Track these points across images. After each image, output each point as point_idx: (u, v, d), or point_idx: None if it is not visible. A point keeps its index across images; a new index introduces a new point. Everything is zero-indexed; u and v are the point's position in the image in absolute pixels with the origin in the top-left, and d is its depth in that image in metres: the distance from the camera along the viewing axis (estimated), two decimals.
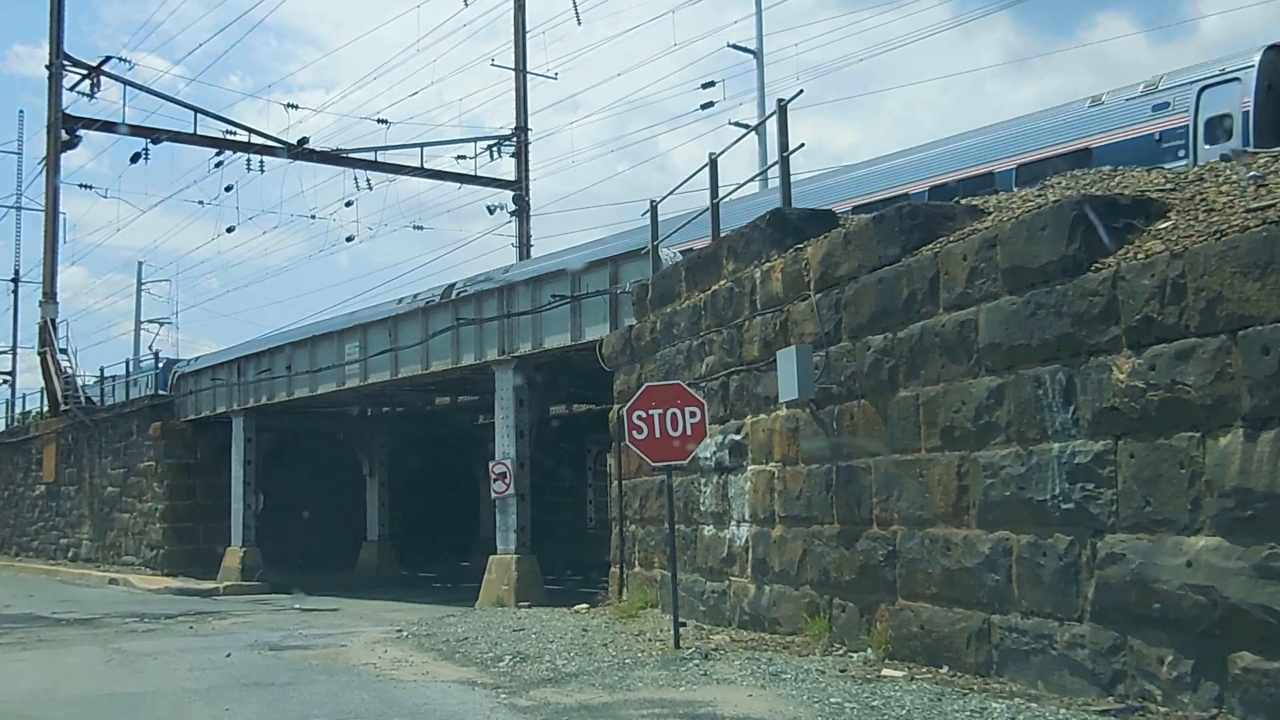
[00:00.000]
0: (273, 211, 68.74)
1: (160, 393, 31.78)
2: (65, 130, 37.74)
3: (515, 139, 45.55)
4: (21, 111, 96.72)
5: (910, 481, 9.49)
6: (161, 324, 50.77)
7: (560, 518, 36.69)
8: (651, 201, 16.60)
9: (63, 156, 38.59)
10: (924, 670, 8.88)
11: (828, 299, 10.87)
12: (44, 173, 38.97)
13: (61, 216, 38.49)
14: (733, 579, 12.70)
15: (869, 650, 9.74)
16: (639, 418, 11.35)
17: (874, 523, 9.97)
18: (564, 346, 18.86)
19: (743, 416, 12.59)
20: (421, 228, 45.13)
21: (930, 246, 9.62)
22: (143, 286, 58.73)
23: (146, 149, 38.93)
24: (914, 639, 9.31)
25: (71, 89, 38.29)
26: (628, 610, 14.61)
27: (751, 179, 18.42)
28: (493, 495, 19.85)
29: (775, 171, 13.64)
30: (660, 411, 11.28)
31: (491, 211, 45.73)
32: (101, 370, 36.22)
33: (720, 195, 14.51)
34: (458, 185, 45.80)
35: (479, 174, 45.30)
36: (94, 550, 34.12)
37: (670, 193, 16.37)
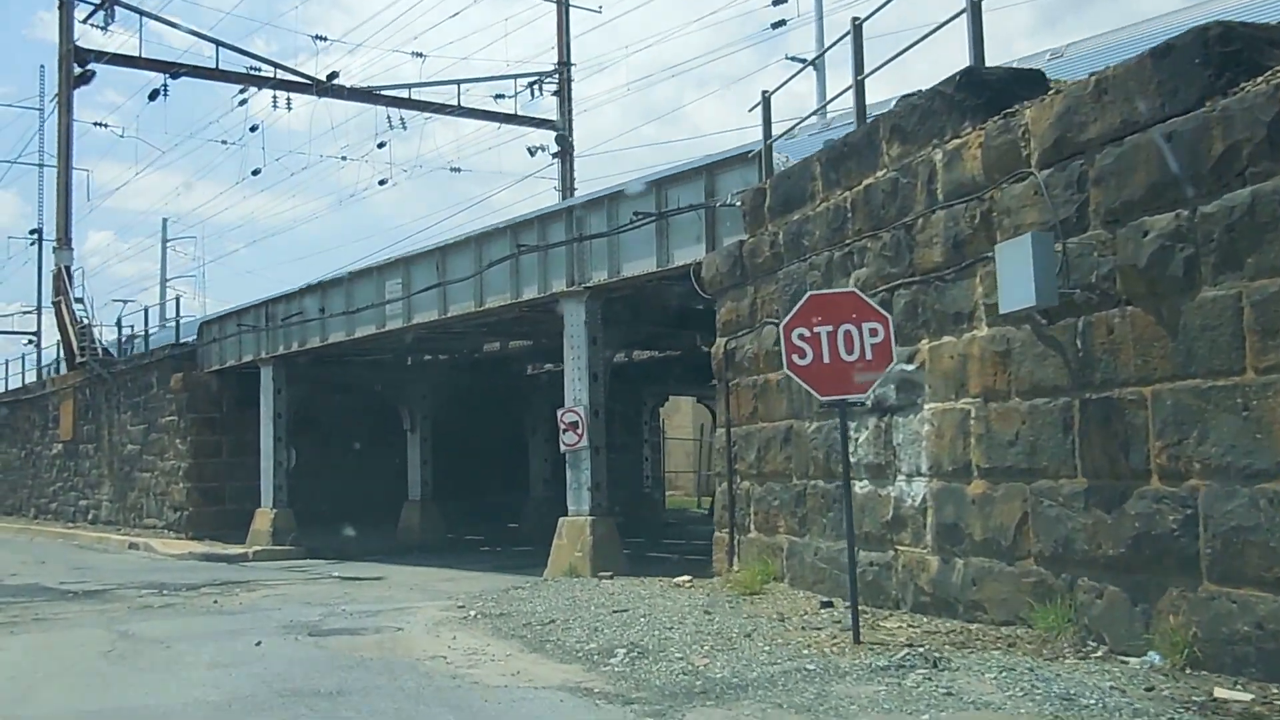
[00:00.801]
0: (300, 153, 65.71)
1: (183, 341, 29.13)
2: (78, 63, 34.95)
3: (557, 75, 42.59)
4: (42, 66, 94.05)
5: (1225, 418, 6.63)
6: (189, 276, 47.93)
7: (613, 477, 34.02)
8: (764, 92, 13.73)
9: (77, 95, 35.96)
10: (1273, 689, 6.06)
11: (1063, 175, 7.98)
12: (56, 112, 36.31)
13: (80, 174, 35.83)
14: (901, 549, 9.90)
15: (1153, 654, 6.93)
16: (800, 337, 8.50)
17: (1155, 475, 7.12)
18: (647, 274, 16.03)
19: (915, 341, 9.75)
20: (459, 169, 42.27)
21: (1255, 83, 6.70)
22: (168, 243, 56.20)
23: (165, 85, 36.20)
24: (1239, 641, 6.47)
25: (85, 21, 35.54)
26: (746, 585, 11.86)
27: (841, 93, 15.23)
28: (562, 448, 17.10)
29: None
30: (829, 329, 8.43)
31: (533, 154, 42.92)
32: (119, 319, 33.64)
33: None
34: (497, 126, 42.97)
35: (519, 113, 42.53)
36: (114, 512, 31.69)
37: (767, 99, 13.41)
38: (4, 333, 58.06)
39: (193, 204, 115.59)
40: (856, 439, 10.53)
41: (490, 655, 9.57)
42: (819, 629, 9.30)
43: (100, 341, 33.14)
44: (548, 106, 42.96)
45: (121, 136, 36.24)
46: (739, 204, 13.62)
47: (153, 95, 36.12)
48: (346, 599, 15.54)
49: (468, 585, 17.09)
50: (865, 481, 10.44)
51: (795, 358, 8.52)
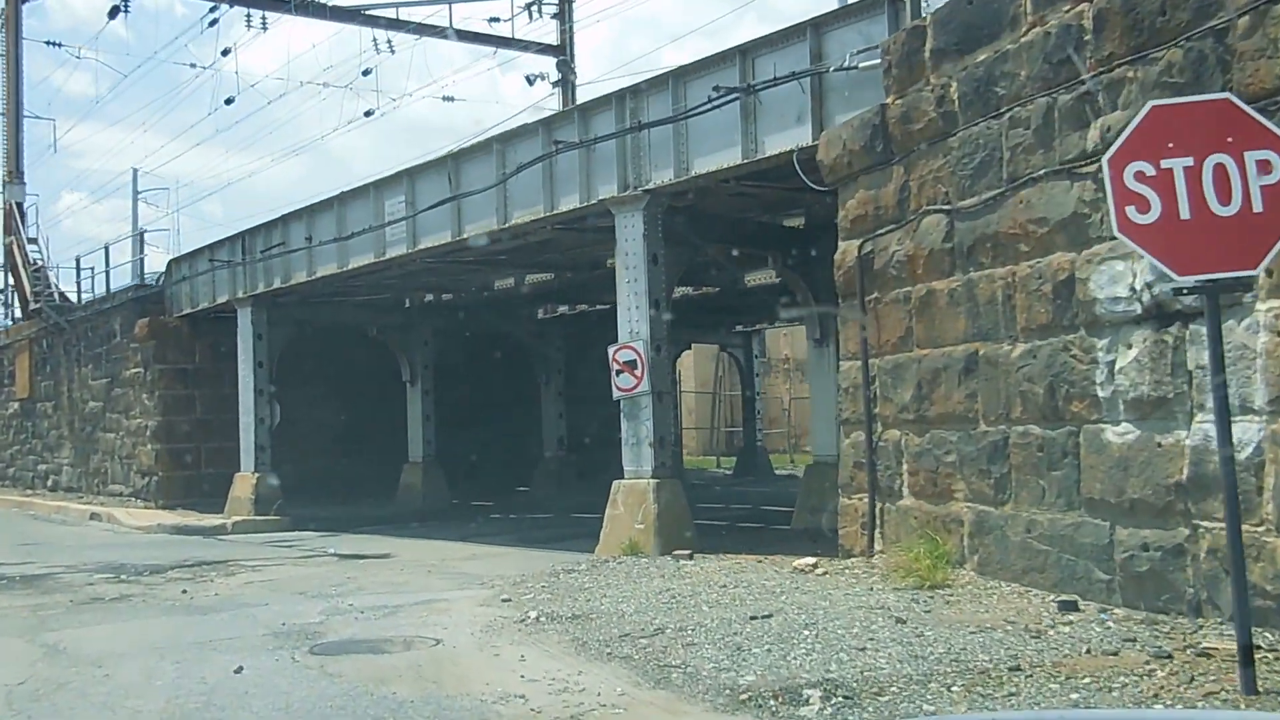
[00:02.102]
0: (277, 77, 61.71)
1: (147, 283, 25.50)
2: None
3: None
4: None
5: None
6: (163, 231, 43.92)
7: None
8: None
9: (26, 10, 32.08)
10: None
11: None
12: (3, 29, 32.38)
13: (44, 125, 31.94)
14: (1203, 524, 6.54)
15: None
16: (1139, 177, 5.08)
17: None
18: (729, 168, 12.59)
19: None
20: (452, 99, 38.41)
21: None
22: (140, 195, 52.13)
23: (125, 1, 32.33)
24: None
25: None
26: (916, 572, 8.55)
27: None
28: (615, 394, 13.73)
29: None
30: (1188, 163, 5.02)
31: (531, 82, 39.11)
32: (78, 260, 29.87)
33: None
34: (492, 50, 39.23)
35: (516, 36, 38.77)
36: (76, 478, 28.18)
37: None
38: None
39: (165, 160, 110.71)
40: (1109, 360, 7.16)
41: (594, 695, 6.23)
42: (1112, 652, 5.97)
43: (57, 286, 29.45)
44: (546, 30, 39.27)
45: (79, 58, 32.26)
46: (877, 60, 10.17)
47: (113, 12, 32.17)
48: (351, 586, 12.20)
49: (497, 565, 13.78)
50: (1128, 424, 7.10)
51: (1132, 211, 5.11)
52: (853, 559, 9.95)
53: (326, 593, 11.64)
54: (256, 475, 21.39)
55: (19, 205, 30.96)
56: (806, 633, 7.03)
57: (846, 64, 10.87)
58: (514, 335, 26.90)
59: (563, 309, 26.87)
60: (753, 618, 7.70)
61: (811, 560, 10.05)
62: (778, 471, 33.62)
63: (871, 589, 8.43)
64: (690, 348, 32.80)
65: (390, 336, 24.08)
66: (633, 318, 13.55)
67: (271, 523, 20.60)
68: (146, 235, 26.67)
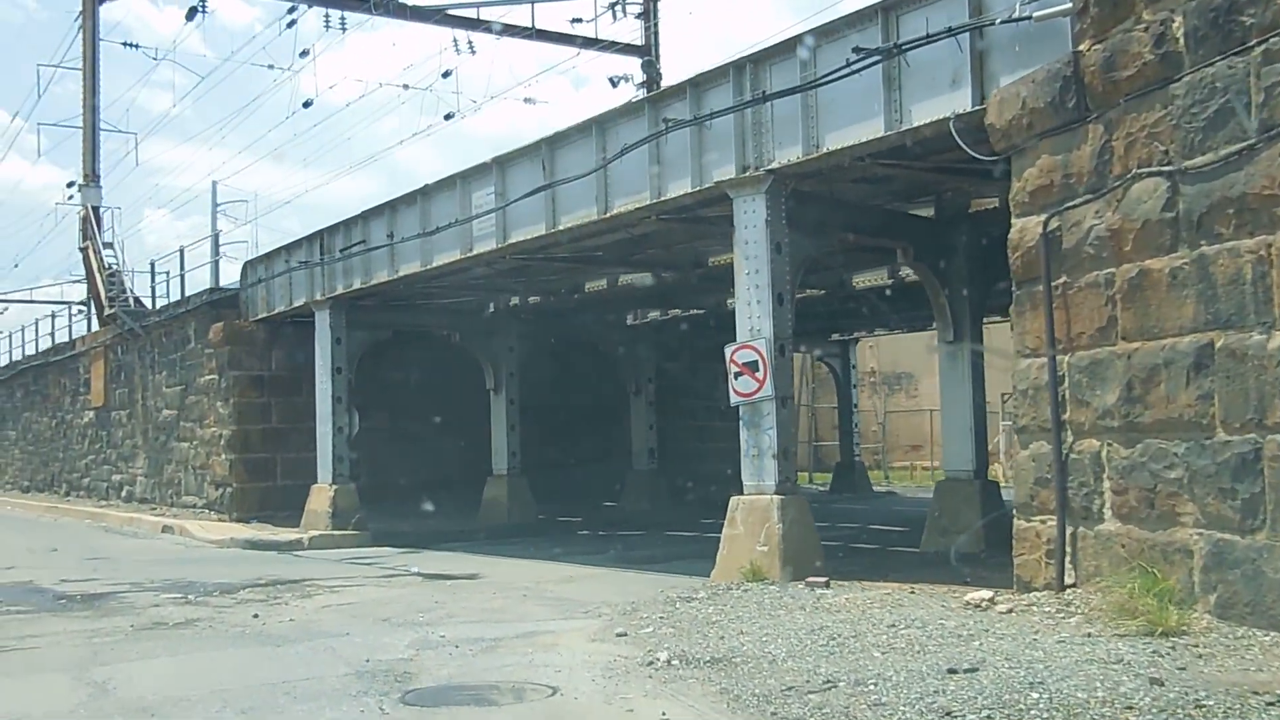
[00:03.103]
0: (357, 79, 61.39)
1: (223, 286, 24.52)
2: None
3: None
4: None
5: None
6: (241, 243, 43.11)
7: (715, 445, 29.20)
8: None
9: (103, 11, 31.50)
10: None
11: None
12: (80, 31, 31.82)
13: (126, 138, 31.29)
14: None
15: None
16: None
17: None
18: (869, 141, 11.06)
19: None
20: (533, 101, 37.59)
21: None
22: (219, 208, 51.66)
23: (203, 2, 31.61)
24: None
25: None
26: (1136, 613, 6.91)
27: None
28: (733, 399, 12.23)
29: None
30: None
31: (615, 84, 37.85)
32: (152, 265, 29.18)
33: None
34: (575, 52, 38.05)
35: (599, 37, 37.54)
36: (149, 489, 27.31)
37: None
38: (49, 302, 53.88)
39: (241, 169, 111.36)
40: None
41: None
42: None
43: (132, 291, 28.67)
44: (631, 30, 37.97)
45: (155, 59, 31.58)
46: (1065, 4, 8.61)
47: (190, 13, 31.50)
48: (440, 612, 10.84)
49: (599, 590, 12.38)
50: None
51: None
52: (1036, 593, 8.35)
53: (413, 620, 10.31)
54: (335, 487, 20.20)
55: (95, 210, 30.36)
56: (1035, 695, 5.47)
57: (1017, 14, 9.30)
58: (602, 342, 25.55)
59: (654, 314, 25.42)
60: (951, 671, 6.15)
61: (986, 594, 8.46)
62: (876, 489, 31.89)
63: (1089, 636, 6.82)
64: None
65: (474, 342, 22.82)
66: (753, 314, 12.05)
67: (349, 537, 19.41)
68: (225, 248, 25.68)
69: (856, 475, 30.54)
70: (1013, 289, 8.99)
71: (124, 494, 28.76)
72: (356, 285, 19.81)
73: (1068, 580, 8.16)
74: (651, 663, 7.39)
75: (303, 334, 21.74)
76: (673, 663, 7.30)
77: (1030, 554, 8.61)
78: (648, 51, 37.82)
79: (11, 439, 39.02)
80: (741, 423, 12.23)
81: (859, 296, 21.89)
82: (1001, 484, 15.98)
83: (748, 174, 12.15)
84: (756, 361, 11.95)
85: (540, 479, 23.22)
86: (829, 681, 6.28)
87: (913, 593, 9.58)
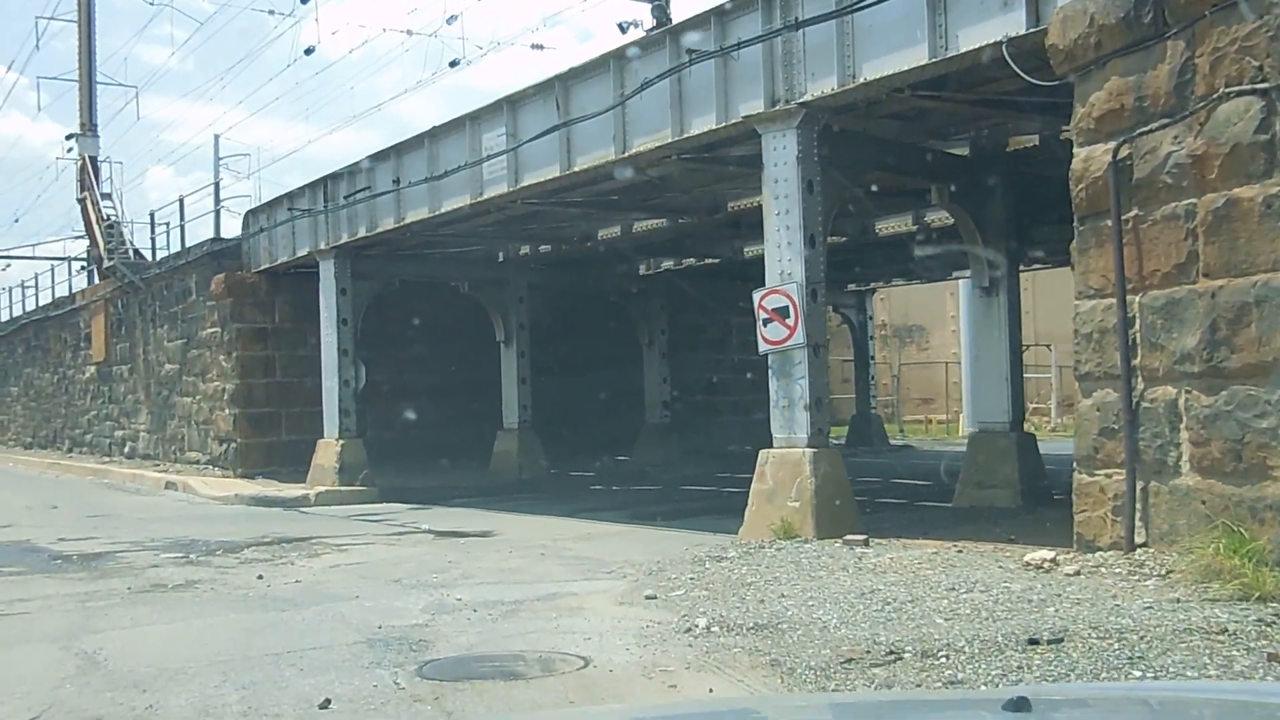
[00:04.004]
0: (360, 25, 60.41)
1: (224, 236, 23.79)
2: None
3: None
4: None
5: None
6: (244, 197, 42.31)
7: (728, 398, 28.57)
8: None
9: None
10: None
11: None
12: None
13: (124, 91, 30.35)
14: None
15: None
16: None
17: None
18: (910, 70, 10.31)
19: None
20: (541, 47, 36.61)
21: None
22: (221, 162, 50.78)
23: None
24: None
25: None
26: (1229, 576, 6.27)
27: None
28: (762, 347, 11.56)
29: None
30: None
31: (624, 30, 36.86)
32: (152, 215, 28.39)
33: None
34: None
35: None
36: (153, 445, 26.74)
37: None
38: (52, 258, 53.08)
39: (243, 118, 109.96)
40: None
41: None
42: None
43: (131, 243, 27.96)
44: None
45: (153, 3, 30.61)
46: None
47: None
48: (454, 573, 10.25)
49: (620, 548, 11.79)
50: None
51: None
52: (1101, 553, 7.71)
53: (427, 581, 9.72)
54: (340, 442, 19.60)
55: (93, 160, 29.60)
56: (1137, 673, 4.84)
57: None
58: (614, 292, 24.87)
59: (667, 264, 24.69)
60: (1033, 642, 5.51)
61: (1046, 554, 7.82)
62: (892, 442, 31.25)
63: (1177, 601, 6.17)
64: None
65: (483, 293, 22.13)
66: (783, 257, 11.35)
67: (357, 493, 18.83)
68: (227, 203, 24.96)
69: (873, 429, 29.90)
70: (1075, 225, 8.27)
71: (127, 450, 28.21)
72: (361, 234, 19.11)
73: (1138, 539, 7.53)
74: (689, 629, 6.78)
75: (307, 285, 21.04)
76: (712, 630, 6.68)
77: (1093, 510, 7.97)
78: None
79: (13, 395, 38.47)
80: (771, 372, 11.57)
81: (880, 245, 21.19)
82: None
83: (778, 108, 11.40)
84: (787, 307, 11.26)
85: (551, 433, 22.61)
86: (892, 653, 5.66)
87: (960, 552, 8.96)
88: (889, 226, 19.87)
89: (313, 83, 41.55)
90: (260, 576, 10.20)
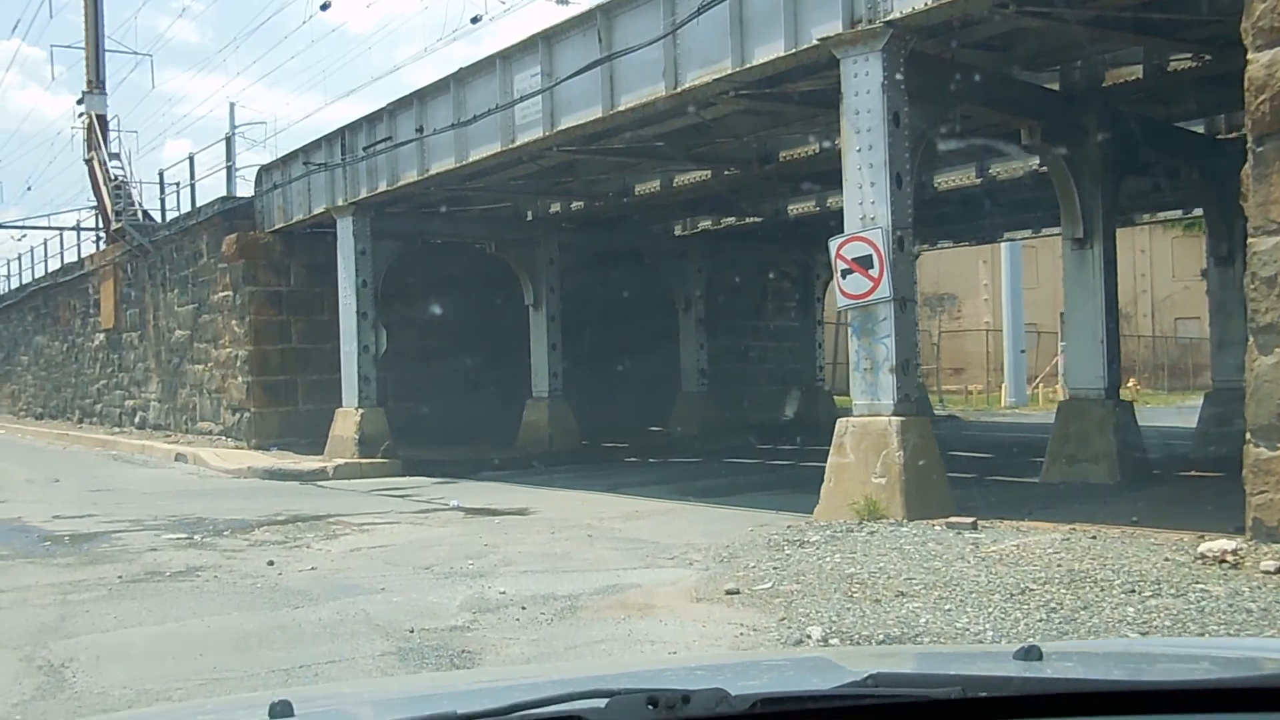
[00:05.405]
0: None
1: (236, 195, 22.45)
2: None
3: None
4: None
5: None
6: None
7: (764, 367, 27.19)
8: None
9: None
10: None
11: None
12: None
13: (136, 59, 29.04)
14: None
15: None
16: None
17: None
18: None
19: None
20: (567, 1, 34.70)
21: None
22: (236, 130, 49.44)
23: None
24: None
25: None
26: None
27: None
28: (841, 302, 10.17)
29: None
30: None
31: None
32: (161, 174, 27.09)
33: None
34: None
35: None
36: (163, 414, 25.54)
37: None
38: (67, 228, 51.79)
39: (260, 102, 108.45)
40: None
41: None
42: None
43: (140, 204, 26.64)
44: None
45: None
46: None
47: None
48: (493, 558, 8.94)
49: (675, 529, 10.50)
50: None
51: None
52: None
53: (462, 569, 8.42)
54: (360, 411, 18.30)
55: (100, 118, 28.30)
56: None
57: None
58: (649, 253, 23.46)
59: (705, 224, 23.26)
60: None
61: (1225, 544, 6.42)
62: (935, 413, 29.82)
63: None
64: None
65: (511, 253, 20.75)
66: (865, 199, 9.92)
67: (378, 466, 17.57)
68: (242, 171, 23.64)
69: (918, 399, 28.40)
70: (1250, 146, 6.83)
71: (137, 420, 27.03)
72: (382, 188, 17.73)
73: None
74: (800, 641, 5.43)
75: (324, 246, 19.73)
76: (831, 643, 5.33)
77: (1275, 492, 6.56)
78: None
79: (24, 364, 37.36)
80: (850, 331, 10.18)
81: (934, 202, 19.70)
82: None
83: (860, 28, 9.95)
84: (870, 256, 9.85)
85: (581, 401, 21.26)
86: None
87: (1094, 538, 7.56)
88: (949, 180, 18.42)
89: (328, 49, 40.12)
90: (271, 563, 8.91)
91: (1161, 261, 44.94)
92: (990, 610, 5.59)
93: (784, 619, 5.98)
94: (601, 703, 1.60)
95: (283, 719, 1.75)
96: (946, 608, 5.75)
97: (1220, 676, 1.84)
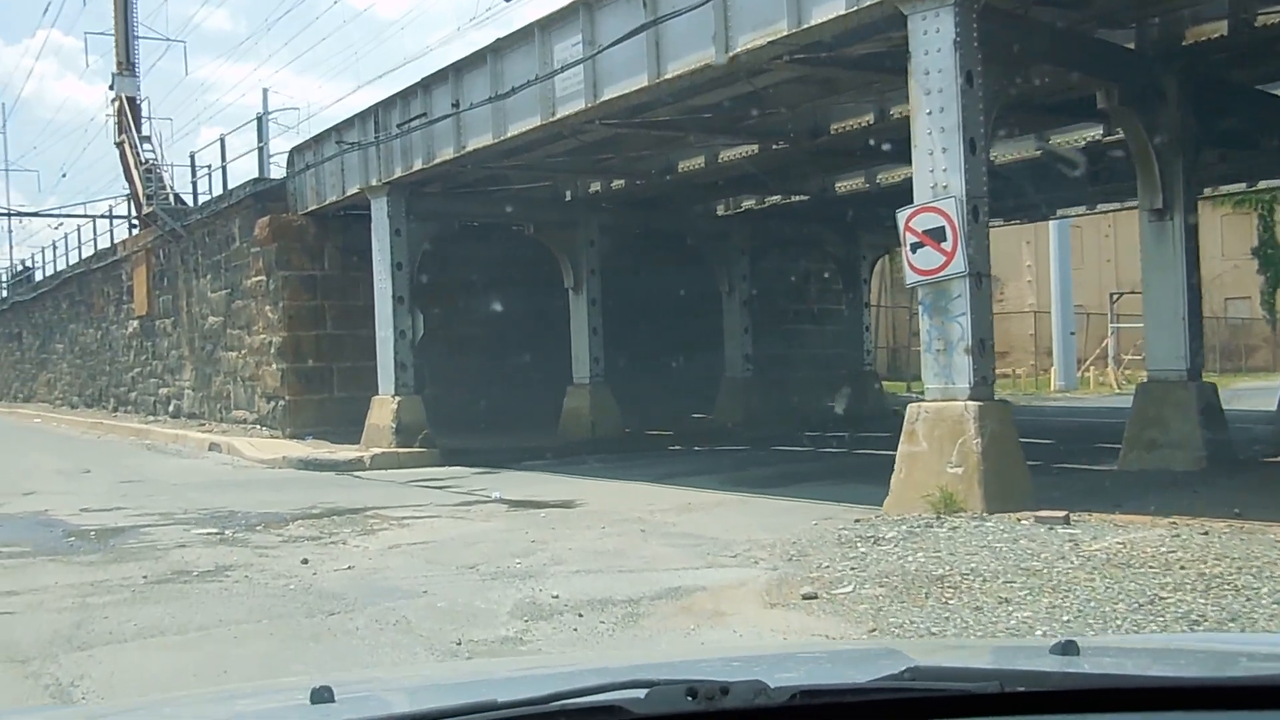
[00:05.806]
0: None
1: (268, 176, 21.95)
2: None
3: None
4: None
5: None
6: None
7: (808, 351, 26.45)
8: None
9: None
10: None
11: None
12: None
13: (173, 46, 28.63)
14: None
15: None
16: None
17: None
18: None
19: None
20: None
21: None
22: (269, 115, 49.08)
23: None
24: None
25: None
26: None
27: None
28: (910, 279, 9.47)
29: None
30: None
31: None
32: (192, 156, 26.74)
33: None
34: None
35: None
36: (197, 402, 25.14)
37: None
38: (102, 216, 51.70)
39: (292, 88, 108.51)
40: None
41: None
42: None
43: (172, 188, 26.22)
44: None
45: None
46: None
47: None
48: (541, 556, 8.32)
49: (731, 522, 9.87)
50: None
51: None
52: None
53: (509, 569, 7.80)
54: (398, 399, 17.74)
55: (131, 100, 27.91)
56: None
57: None
58: (692, 234, 22.77)
59: (748, 203, 22.54)
60: None
61: None
62: None
63: None
64: (888, 253, 27.94)
65: (550, 235, 20.10)
66: (937, 166, 9.21)
67: (416, 456, 16.99)
68: (274, 158, 23.03)
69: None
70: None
71: (171, 409, 26.65)
72: (417, 166, 17.11)
73: None
74: None
75: (358, 228, 19.18)
76: None
77: None
78: None
79: (59, 352, 37.17)
80: (921, 309, 9.48)
81: (991, 174, 18.83)
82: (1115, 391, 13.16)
83: None
84: (943, 228, 9.14)
85: (623, 388, 20.62)
86: None
87: (1205, 533, 6.85)
88: (1005, 155, 17.58)
89: (358, 32, 39.59)
90: (305, 561, 8.34)
91: (1210, 240, 43.76)
92: (1119, 623, 4.90)
93: (874, 630, 5.33)
94: (641, 693, 1.60)
95: (324, 704, 1.78)
96: (1064, 619, 5.07)
97: (1259, 674, 1.83)
